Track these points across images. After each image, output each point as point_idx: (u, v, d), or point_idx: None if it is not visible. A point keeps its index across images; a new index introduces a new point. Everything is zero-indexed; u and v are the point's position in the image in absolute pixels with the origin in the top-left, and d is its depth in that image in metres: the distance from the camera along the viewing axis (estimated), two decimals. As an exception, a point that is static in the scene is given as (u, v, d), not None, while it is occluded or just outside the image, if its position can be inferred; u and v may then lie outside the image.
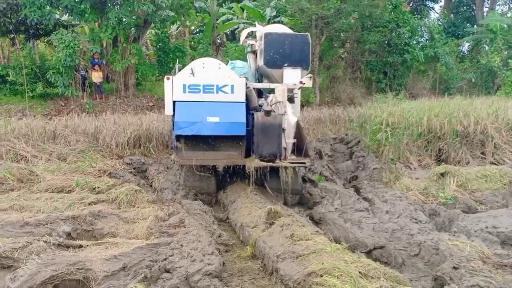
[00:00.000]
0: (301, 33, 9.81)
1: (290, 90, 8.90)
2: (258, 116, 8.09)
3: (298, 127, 8.72)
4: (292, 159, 8.51)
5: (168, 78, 8.39)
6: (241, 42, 11.42)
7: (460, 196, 8.03)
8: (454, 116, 10.77)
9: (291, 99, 9.21)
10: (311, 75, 9.37)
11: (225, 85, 8.31)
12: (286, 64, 8.93)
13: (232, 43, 26.11)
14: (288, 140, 8.55)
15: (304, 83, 8.96)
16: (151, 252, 5.41)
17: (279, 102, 8.44)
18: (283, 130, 8.29)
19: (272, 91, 8.95)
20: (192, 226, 6.62)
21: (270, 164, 8.21)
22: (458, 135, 10.71)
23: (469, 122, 11.06)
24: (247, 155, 8.54)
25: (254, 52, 10.11)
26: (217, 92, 8.30)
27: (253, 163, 8.20)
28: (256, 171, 8.27)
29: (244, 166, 8.40)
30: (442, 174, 8.73)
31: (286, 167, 8.29)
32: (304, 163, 8.42)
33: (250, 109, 8.56)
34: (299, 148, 8.66)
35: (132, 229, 6.60)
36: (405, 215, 6.90)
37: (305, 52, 9.07)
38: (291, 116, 8.70)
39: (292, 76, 8.87)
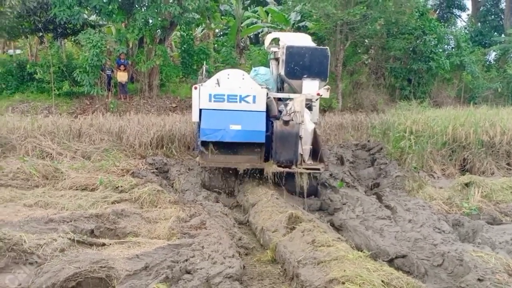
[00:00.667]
0: (321, 47, 10.38)
1: (309, 100, 9.44)
2: (277, 125, 8.77)
3: (314, 134, 9.25)
4: (308, 164, 9.01)
5: (195, 88, 9.12)
6: (265, 47, 12.02)
7: (485, 207, 7.90)
8: (480, 126, 10.58)
9: (309, 107, 9.62)
10: (328, 86, 9.77)
11: (248, 95, 9.05)
12: (305, 76, 9.50)
13: (255, 47, 26.11)
14: (305, 147, 9.03)
15: (321, 95, 9.56)
16: (173, 252, 5.45)
17: (296, 111, 8.97)
18: (300, 137, 8.83)
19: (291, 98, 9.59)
20: (213, 228, 6.66)
21: (287, 169, 8.81)
22: (483, 145, 10.53)
23: (495, 132, 10.86)
24: (266, 159, 9.23)
25: (277, 59, 10.62)
26: (240, 102, 9.04)
27: (271, 168, 8.87)
28: (274, 175, 8.90)
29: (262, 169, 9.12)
30: (467, 184, 8.60)
31: (301, 173, 8.83)
32: (319, 169, 8.95)
33: (270, 117, 9.26)
34: (315, 153, 9.16)
35: (154, 229, 6.67)
36: (428, 225, 6.81)
37: (324, 64, 9.71)
38: (308, 124, 9.13)
39: (311, 87, 9.41)
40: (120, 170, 10.05)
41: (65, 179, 9.03)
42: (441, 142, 10.51)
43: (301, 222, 6.73)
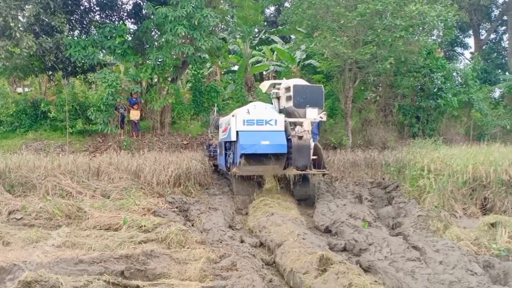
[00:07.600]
0: (317, 85, 14.20)
1: (312, 123, 12.67)
2: (294, 139, 11.87)
3: (316, 147, 12.60)
4: (314, 169, 12.17)
5: (233, 116, 12.09)
6: (264, 91, 15.27)
7: (513, 247, 7.82)
8: (500, 164, 10.57)
9: None
10: (325, 112, 13.25)
11: (271, 120, 12.13)
12: (308, 105, 12.42)
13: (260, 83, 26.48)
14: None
15: (323, 119, 13.02)
16: (209, 295, 5.41)
17: (306, 130, 12.11)
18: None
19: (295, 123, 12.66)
20: (245, 270, 6.61)
21: (303, 172, 11.84)
22: (503, 184, 10.49)
23: (515, 171, 10.80)
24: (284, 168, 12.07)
25: (278, 98, 13.95)
26: (265, 124, 12.05)
27: (291, 172, 11.75)
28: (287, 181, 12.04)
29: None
30: (492, 224, 8.54)
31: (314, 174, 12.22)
32: (325, 172, 12.42)
33: (287, 136, 12.01)
34: (319, 163, 12.43)
35: (185, 270, 6.60)
36: (460, 267, 6.73)
37: (320, 97, 12.73)
38: (310, 140, 12.35)
39: (313, 113, 12.47)
40: (141, 209, 10.04)
41: (88, 218, 9.03)
42: (462, 181, 10.48)
43: (332, 264, 6.68)
